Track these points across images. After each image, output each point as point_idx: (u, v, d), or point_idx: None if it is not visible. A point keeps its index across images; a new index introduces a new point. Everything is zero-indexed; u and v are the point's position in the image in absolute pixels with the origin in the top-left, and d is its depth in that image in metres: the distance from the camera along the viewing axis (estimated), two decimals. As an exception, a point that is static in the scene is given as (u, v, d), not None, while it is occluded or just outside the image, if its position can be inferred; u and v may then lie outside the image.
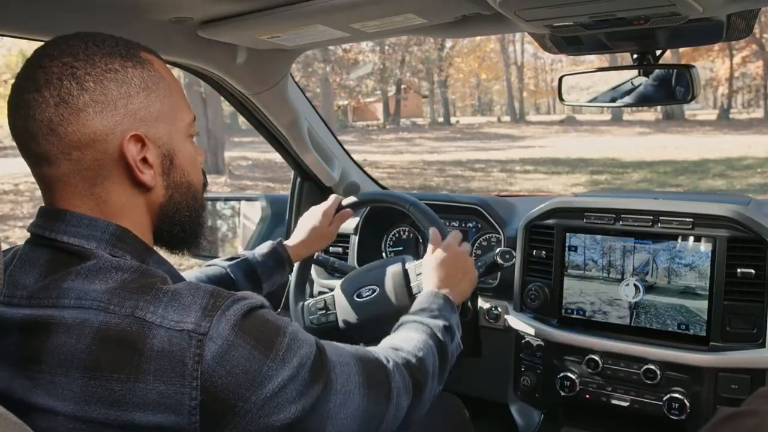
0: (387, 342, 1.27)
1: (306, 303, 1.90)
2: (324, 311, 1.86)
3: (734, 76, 33.87)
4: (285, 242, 1.79)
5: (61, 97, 0.92)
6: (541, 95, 55.16)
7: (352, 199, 1.90)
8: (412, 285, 1.75)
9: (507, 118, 40.44)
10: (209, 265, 1.68)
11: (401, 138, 28.96)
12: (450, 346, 1.35)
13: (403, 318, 1.38)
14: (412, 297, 1.72)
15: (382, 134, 32.14)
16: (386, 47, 34.49)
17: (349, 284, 1.88)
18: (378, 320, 1.74)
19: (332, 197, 1.88)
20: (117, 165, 0.96)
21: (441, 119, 39.79)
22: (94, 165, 0.95)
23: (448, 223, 2.30)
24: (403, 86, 40.47)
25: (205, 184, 1.16)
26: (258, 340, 0.90)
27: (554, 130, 30.95)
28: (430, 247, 1.61)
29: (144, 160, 0.98)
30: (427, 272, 1.55)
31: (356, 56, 33.42)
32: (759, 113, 33.31)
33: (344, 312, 1.83)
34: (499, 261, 1.71)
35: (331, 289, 2.25)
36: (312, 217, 1.85)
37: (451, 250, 1.56)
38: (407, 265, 1.80)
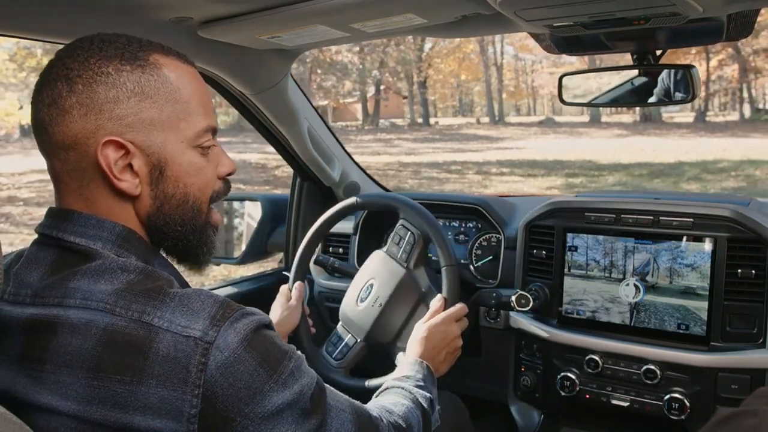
0: (378, 402, 1.26)
1: (323, 348, 1.86)
2: (341, 340, 1.83)
3: (711, 79, 33.84)
4: None
5: (52, 98, 0.92)
6: (521, 96, 54.81)
7: (293, 269, 1.91)
8: (399, 258, 1.78)
9: (486, 120, 40.26)
10: None
11: (379, 139, 28.50)
12: (432, 419, 1.36)
13: (390, 382, 1.38)
14: (406, 264, 1.76)
15: (360, 135, 31.68)
16: (365, 47, 34.27)
17: (346, 302, 1.86)
18: (391, 305, 1.75)
19: (281, 288, 1.86)
20: (97, 169, 0.94)
21: (421, 120, 39.60)
22: (78, 167, 0.94)
23: (447, 223, 2.29)
24: (382, 87, 40.28)
25: (223, 192, 1.11)
26: (264, 358, 0.89)
27: (533, 132, 30.65)
28: (430, 311, 1.65)
29: (130, 166, 0.96)
30: (417, 337, 1.57)
31: (333, 57, 33.30)
32: (735, 116, 33.25)
33: (359, 324, 1.80)
34: (514, 304, 1.79)
35: (331, 290, 2.24)
36: (276, 304, 1.82)
37: (447, 325, 1.60)
38: (386, 251, 1.83)
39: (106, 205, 0.97)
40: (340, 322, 1.86)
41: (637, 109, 28.49)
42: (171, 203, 1.01)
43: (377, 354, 1.79)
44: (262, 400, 0.87)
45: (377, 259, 1.84)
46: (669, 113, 33.41)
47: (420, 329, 1.58)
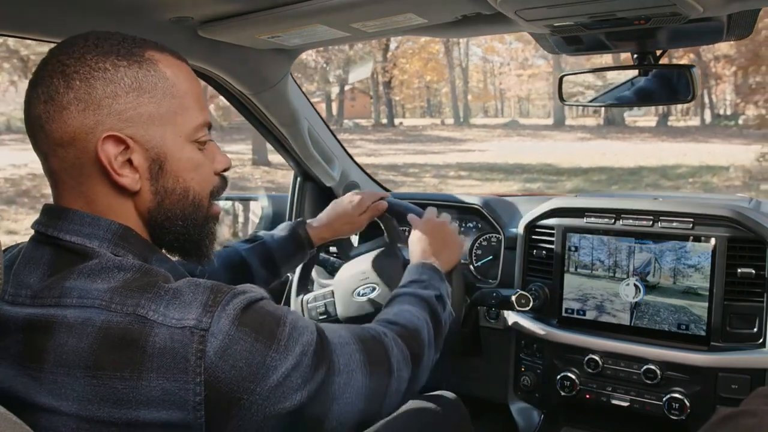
0: (382, 316, 1.25)
1: (305, 298, 1.81)
2: (326, 316, 1.78)
3: (673, 84, 34.06)
4: (309, 221, 1.72)
5: (48, 94, 0.91)
6: (488, 98, 54.22)
7: (399, 203, 1.79)
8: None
9: (451, 121, 39.74)
10: (226, 246, 1.63)
11: (342, 139, 28.03)
12: (443, 315, 1.35)
13: (396, 291, 1.36)
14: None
15: (322, 135, 31.15)
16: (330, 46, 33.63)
17: (344, 286, 1.80)
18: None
19: (377, 193, 1.79)
20: (96, 165, 0.92)
21: (385, 121, 39.09)
22: (77, 163, 0.92)
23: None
24: (347, 87, 39.63)
25: (222, 188, 1.09)
26: (259, 332, 0.88)
27: (497, 134, 29.48)
28: (413, 229, 1.61)
29: (129, 162, 0.94)
30: (411, 247, 1.55)
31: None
32: (696, 121, 33.38)
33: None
34: (514, 304, 1.76)
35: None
36: (345, 201, 1.75)
37: (430, 224, 1.57)
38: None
39: (105, 202, 0.95)
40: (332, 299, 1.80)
41: (602, 112, 28.49)
42: (171, 198, 1.00)
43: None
44: (267, 372, 0.87)
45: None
46: (632, 117, 33.54)
47: (412, 239, 1.55)
